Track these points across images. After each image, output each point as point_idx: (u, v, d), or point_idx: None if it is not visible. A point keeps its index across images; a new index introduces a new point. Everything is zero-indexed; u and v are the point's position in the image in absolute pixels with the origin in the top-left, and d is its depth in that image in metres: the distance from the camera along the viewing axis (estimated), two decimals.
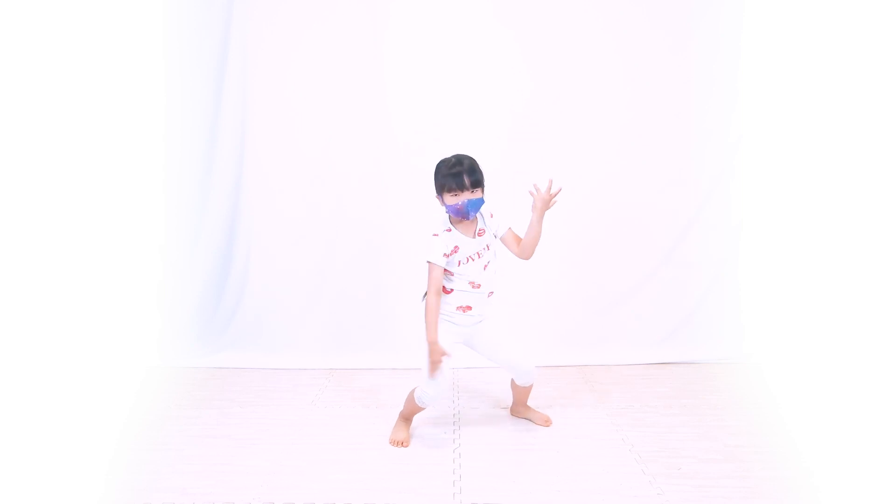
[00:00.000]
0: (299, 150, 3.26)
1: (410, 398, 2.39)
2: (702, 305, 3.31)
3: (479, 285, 2.28)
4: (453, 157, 2.23)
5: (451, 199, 2.19)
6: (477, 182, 2.18)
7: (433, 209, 2.40)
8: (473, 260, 2.26)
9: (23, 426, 2.50)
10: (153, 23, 3.16)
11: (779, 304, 3.23)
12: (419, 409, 2.41)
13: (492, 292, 2.34)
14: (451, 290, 2.29)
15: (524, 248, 2.27)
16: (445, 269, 2.26)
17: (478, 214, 2.28)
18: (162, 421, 2.56)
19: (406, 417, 2.45)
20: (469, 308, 2.30)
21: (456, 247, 2.24)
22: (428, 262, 2.24)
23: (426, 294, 2.25)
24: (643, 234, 3.31)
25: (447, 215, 2.28)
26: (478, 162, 2.24)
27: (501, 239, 2.33)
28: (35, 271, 3.04)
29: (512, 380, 2.51)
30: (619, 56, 3.22)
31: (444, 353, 2.17)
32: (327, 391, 2.88)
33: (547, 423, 2.52)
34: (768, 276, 3.26)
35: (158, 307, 3.32)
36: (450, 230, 2.25)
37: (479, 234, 2.28)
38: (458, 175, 2.17)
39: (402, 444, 2.37)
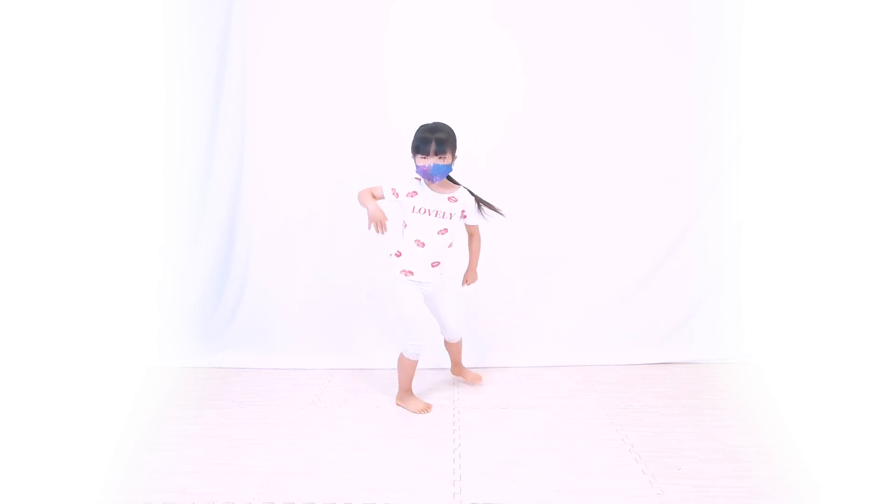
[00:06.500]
0: (299, 150, 3.26)
1: (401, 362, 2.54)
2: (702, 305, 3.31)
3: (424, 244, 2.39)
4: (433, 122, 2.38)
5: (420, 160, 2.35)
6: (443, 150, 2.31)
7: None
8: (429, 215, 2.38)
9: (23, 426, 2.50)
10: (153, 23, 3.16)
11: (779, 304, 3.24)
12: (412, 369, 2.56)
13: (438, 262, 2.45)
14: (399, 253, 2.45)
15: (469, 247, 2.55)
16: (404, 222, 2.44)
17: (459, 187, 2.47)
18: (162, 421, 2.56)
19: (406, 388, 2.58)
20: (410, 273, 2.44)
21: (415, 191, 2.40)
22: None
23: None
24: (643, 233, 3.31)
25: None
26: (455, 132, 2.37)
27: (465, 223, 2.50)
28: (35, 271, 3.04)
29: (444, 340, 2.73)
30: (619, 56, 3.22)
31: (382, 213, 2.35)
32: (327, 391, 2.88)
33: (476, 380, 2.77)
34: (768, 276, 3.26)
35: (158, 307, 3.32)
36: (419, 179, 2.41)
37: (450, 201, 2.41)
38: (426, 140, 2.32)
39: (425, 410, 2.53)
